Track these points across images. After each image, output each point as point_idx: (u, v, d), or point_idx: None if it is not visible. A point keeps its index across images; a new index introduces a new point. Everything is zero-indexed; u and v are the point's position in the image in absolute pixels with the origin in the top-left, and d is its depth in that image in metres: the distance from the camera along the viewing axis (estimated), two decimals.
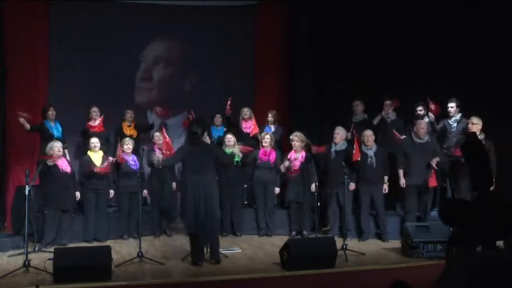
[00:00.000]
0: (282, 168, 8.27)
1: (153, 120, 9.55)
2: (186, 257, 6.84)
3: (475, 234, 2.27)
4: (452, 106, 8.23)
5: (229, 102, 9.09)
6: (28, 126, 8.19)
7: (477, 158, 2.51)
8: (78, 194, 7.85)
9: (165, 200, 8.48)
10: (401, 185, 7.95)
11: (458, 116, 8.26)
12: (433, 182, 7.82)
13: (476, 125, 7.66)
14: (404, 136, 8.31)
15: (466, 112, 8.06)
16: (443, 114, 8.41)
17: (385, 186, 8.00)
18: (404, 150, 7.96)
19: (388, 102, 8.72)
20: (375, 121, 8.83)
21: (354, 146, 7.87)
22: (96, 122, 8.61)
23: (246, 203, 8.91)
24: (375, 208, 8.06)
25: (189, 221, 6.63)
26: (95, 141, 8.04)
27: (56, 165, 7.51)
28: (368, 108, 9.01)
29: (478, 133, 7.54)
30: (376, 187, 7.97)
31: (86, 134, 8.51)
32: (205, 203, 6.48)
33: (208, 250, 6.72)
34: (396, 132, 8.25)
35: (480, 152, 2.53)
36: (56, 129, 8.35)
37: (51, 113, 8.38)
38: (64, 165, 7.63)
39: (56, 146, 7.62)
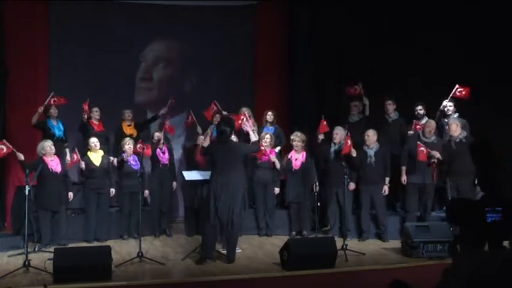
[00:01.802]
0: (277, 164, 8.25)
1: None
2: (186, 257, 6.85)
3: (480, 233, 2.27)
4: (450, 105, 8.23)
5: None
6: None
7: (484, 158, 2.52)
8: (71, 194, 7.76)
9: (165, 200, 8.48)
10: (403, 181, 7.94)
11: (455, 116, 8.25)
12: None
13: (451, 125, 7.72)
14: (412, 132, 8.28)
15: (467, 112, 8.06)
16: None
17: (385, 188, 7.95)
18: (410, 148, 7.95)
19: (388, 101, 8.69)
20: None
21: (345, 141, 7.85)
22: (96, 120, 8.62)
23: None
24: (375, 208, 8.05)
25: (208, 216, 6.58)
26: (94, 141, 8.04)
27: (45, 165, 7.42)
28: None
29: (456, 133, 7.58)
30: (376, 187, 7.94)
31: (86, 133, 8.47)
32: (225, 201, 6.50)
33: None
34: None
35: (487, 153, 2.53)
36: (57, 128, 8.34)
37: (54, 111, 8.36)
38: (54, 164, 7.54)
39: (48, 146, 7.57)
